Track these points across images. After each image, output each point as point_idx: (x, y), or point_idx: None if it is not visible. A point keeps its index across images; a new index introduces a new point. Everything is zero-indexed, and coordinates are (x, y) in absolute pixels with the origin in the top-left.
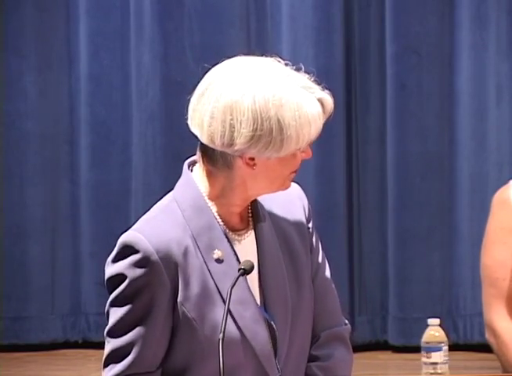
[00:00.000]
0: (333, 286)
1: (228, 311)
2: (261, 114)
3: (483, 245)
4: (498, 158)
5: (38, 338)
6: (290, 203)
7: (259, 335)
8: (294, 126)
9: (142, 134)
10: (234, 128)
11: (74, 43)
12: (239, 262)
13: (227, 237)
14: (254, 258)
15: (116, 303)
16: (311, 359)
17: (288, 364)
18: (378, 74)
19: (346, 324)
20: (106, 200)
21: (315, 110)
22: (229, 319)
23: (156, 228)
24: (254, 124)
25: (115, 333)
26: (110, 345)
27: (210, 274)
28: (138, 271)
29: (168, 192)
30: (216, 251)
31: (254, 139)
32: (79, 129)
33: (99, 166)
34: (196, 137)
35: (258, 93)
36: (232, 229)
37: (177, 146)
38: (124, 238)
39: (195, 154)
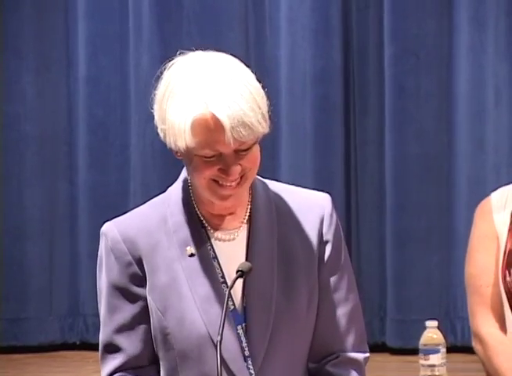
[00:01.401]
0: (358, 312)
1: (226, 312)
2: (160, 99)
3: (467, 255)
4: (496, 160)
5: (36, 340)
6: (307, 209)
7: (225, 333)
8: (172, 121)
9: (141, 135)
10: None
11: (73, 44)
12: (217, 260)
13: (207, 234)
14: (240, 259)
15: (98, 290)
16: (326, 373)
17: (269, 368)
18: (376, 76)
19: (366, 352)
20: (105, 201)
21: (195, 115)
22: (196, 313)
23: (132, 219)
24: (156, 109)
25: (101, 324)
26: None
27: (182, 269)
28: (109, 258)
29: None
30: (189, 248)
31: (157, 124)
32: (77, 130)
33: (98, 167)
34: None
35: (165, 74)
36: (218, 228)
37: None
38: (102, 227)
39: None
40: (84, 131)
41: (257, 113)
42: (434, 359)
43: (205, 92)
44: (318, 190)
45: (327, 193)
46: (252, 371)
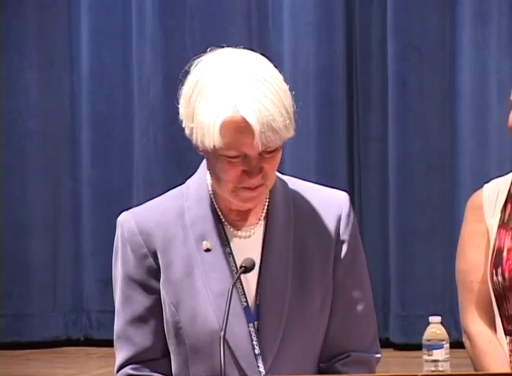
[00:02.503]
0: (371, 313)
1: (229, 307)
2: (187, 95)
3: (458, 250)
4: (499, 156)
5: (40, 336)
6: (325, 208)
7: (236, 329)
8: (201, 120)
9: (144, 131)
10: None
11: (76, 41)
12: (232, 256)
13: (224, 230)
14: (255, 256)
15: (113, 279)
16: (335, 372)
17: (280, 366)
18: (379, 71)
19: (378, 353)
20: (108, 196)
21: (225, 117)
22: (209, 309)
23: (149, 212)
24: (183, 106)
25: (115, 314)
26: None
27: (198, 263)
28: (124, 249)
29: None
30: (205, 242)
31: (184, 121)
32: (80, 127)
33: (101, 163)
34: None
35: (193, 71)
36: (235, 224)
37: (178, 143)
38: (119, 217)
39: (196, 152)
40: (87, 128)
41: (286, 117)
42: (438, 354)
43: (235, 94)
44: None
45: (345, 191)
46: (262, 369)
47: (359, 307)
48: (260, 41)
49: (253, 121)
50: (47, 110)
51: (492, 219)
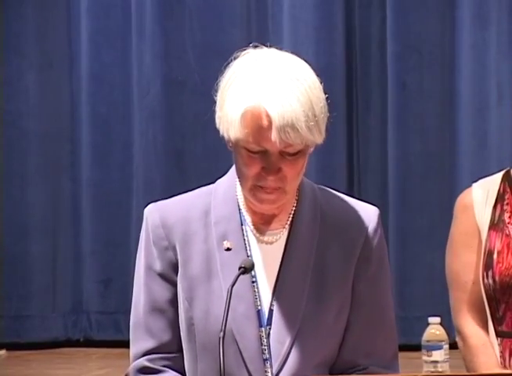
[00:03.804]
0: (391, 331)
1: (228, 307)
2: (222, 85)
3: (447, 250)
4: (499, 157)
5: (40, 337)
6: (353, 220)
7: (247, 332)
8: (227, 109)
9: (143, 132)
10: None
11: (75, 42)
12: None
13: (246, 233)
14: (275, 262)
15: (136, 268)
16: None
17: (288, 373)
18: (379, 73)
19: (396, 371)
20: (107, 198)
21: (247, 106)
22: (222, 309)
23: (175, 206)
24: (217, 95)
25: (133, 305)
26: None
27: (217, 262)
28: (148, 241)
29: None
30: (226, 242)
31: (216, 110)
32: (80, 128)
33: (100, 165)
34: None
35: (233, 63)
36: (259, 228)
37: (178, 144)
38: (146, 208)
39: (195, 153)
40: (86, 129)
41: (311, 119)
42: (437, 355)
43: (262, 86)
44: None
45: (375, 205)
46: (269, 374)
47: (379, 323)
48: (259, 42)
49: (273, 113)
50: (46, 111)
51: (483, 220)
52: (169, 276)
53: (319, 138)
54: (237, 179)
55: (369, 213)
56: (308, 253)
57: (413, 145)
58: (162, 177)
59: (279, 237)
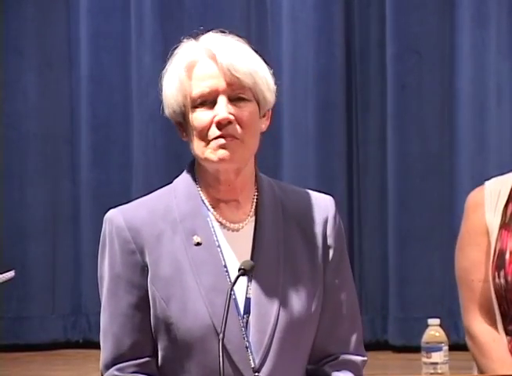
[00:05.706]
0: (357, 315)
1: (228, 308)
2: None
3: (457, 248)
4: (498, 158)
5: (39, 338)
6: (311, 211)
7: (228, 323)
8: (165, 83)
9: (143, 134)
10: None
11: (75, 43)
12: (220, 250)
13: (213, 225)
14: (245, 250)
15: (98, 276)
16: (323, 373)
17: (270, 361)
18: (378, 73)
19: (364, 356)
20: (107, 200)
21: (188, 60)
22: (200, 303)
23: (137, 209)
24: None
25: (101, 311)
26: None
27: (188, 258)
28: (112, 245)
29: None
30: (195, 237)
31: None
32: (79, 129)
33: (100, 166)
34: None
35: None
36: (224, 218)
37: (177, 146)
38: (107, 214)
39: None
40: (86, 130)
41: (258, 65)
42: (437, 356)
43: (200, 46)
44: (320, 190)
45: (330, 194)
46: (253, 363)
47: (346, 309)
48: (259, 44)
49: (216, 49)
50: (46, 113)
51: (493, 218)
52: (135, 280)
53: (269, 92)
54: (196, 175)
55: (326, 202)
56: (276, 242)
57: (413, 145)
58: (161, 179)
59: (245, 224)
